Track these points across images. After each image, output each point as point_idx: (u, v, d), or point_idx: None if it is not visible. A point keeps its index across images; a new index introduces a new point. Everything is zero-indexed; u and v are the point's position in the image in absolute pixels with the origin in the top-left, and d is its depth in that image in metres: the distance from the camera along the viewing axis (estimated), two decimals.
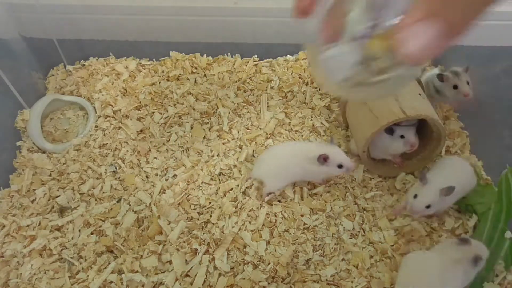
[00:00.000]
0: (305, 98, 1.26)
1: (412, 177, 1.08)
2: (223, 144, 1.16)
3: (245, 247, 0.96)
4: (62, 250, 0.97)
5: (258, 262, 0.93)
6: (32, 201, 1.06)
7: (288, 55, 1.37)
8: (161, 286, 0.91)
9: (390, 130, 1.00)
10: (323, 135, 1.18)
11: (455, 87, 1.08)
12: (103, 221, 1.02)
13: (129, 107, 1.24)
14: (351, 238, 0.98)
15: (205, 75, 1.34)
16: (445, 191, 0.88)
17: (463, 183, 0.96)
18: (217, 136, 1.18)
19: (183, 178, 1.09)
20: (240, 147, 1.15)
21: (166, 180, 1.09)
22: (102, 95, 1.28)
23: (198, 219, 1.01)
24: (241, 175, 1.09)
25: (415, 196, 0.92)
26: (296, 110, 1.23)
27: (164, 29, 1.30)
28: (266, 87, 1.29)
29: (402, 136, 1.00)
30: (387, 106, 0.96)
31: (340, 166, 0.98)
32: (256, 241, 0.96)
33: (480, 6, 0.36)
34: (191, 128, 1.21)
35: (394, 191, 1.06)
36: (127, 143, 1.17)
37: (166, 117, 1.23)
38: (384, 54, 0.43)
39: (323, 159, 0.96)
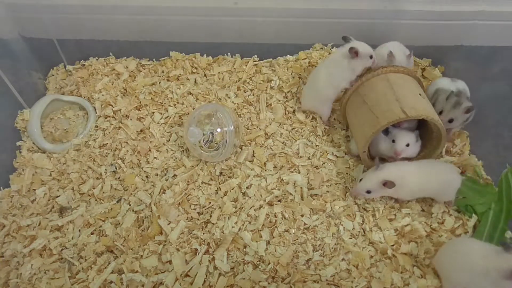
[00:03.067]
0: None
1: None
2: None
3: (245, 247, 0.96)
4: (62, 250, 0.97)
5: (258, 262, 0.93)
6: (32, 201, 1.06)
7: (288, 55, 1.37)
8: (161, 286, 0.91)
9: (385, 131, 1.00)
10: (323, 136, 1.18)
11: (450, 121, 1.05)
12: (103, 221, 1.02)
13: (129, 107, 1.24)
14: (351, 238, 0.98)
15: (205, 75, 1.34)
16: (387, 184, 0.93)
17: (418, 183, 0.96)
18: None
19: (183, 178, 1.09)
20: (240, 147, 1.15)
21: (166, 180, 1.09)
22: (102, 95, 1.28)
23: (198, 219, 1.01)
24: (241, 175, 1.09)
25: (360, 180, 0.99)
26: (296, 110, 1.23)
27: (164, 29, 1.30)
28: (266, 87, 1.29)
29: (394, 140, 1.00)
30: (388, 106, 0.97)
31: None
32: (256, 241, 0.96)
33: None
34: None
35: None
36: (127, 143, 1.17)
37: (166, 117, 1.23)
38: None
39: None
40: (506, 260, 0.77)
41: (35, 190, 1.08)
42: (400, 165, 0.99)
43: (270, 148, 1.15)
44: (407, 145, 0.99)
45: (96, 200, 1.07)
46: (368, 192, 0.97)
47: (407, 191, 0.98)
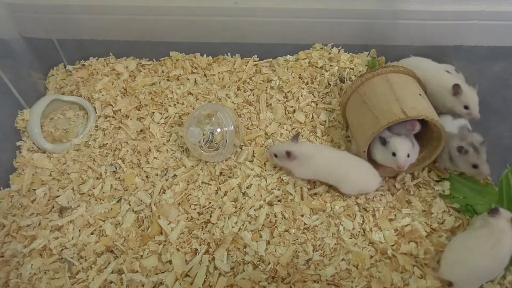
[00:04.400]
0: (305, 98, 1.26)
1: (412, 177, 1.08)
2: None
3: (245, 247, 0.96)
4: (62, 250, 0.97)
5: (258, 262, 0.93)
6: (32, 201, 1.06)
7: (288, 55, 1.37)
8: (161, 286, 0.91)
9: (382, 140, 0.98)
10: (323, 136, 1.18)
11: (475, 166, 0.97)
12: (103, 221, 1.02)
13: (129, 107, 1.24)
14: (351, 238, 0.98)
15: (205, 75, 1.34)
16: (289, 154, 1.01)
17: (320, 168, 1.02)
18: None
19: (183, 178, 1.09)
20: (240, 147, 1.15)
21: (166, 180, 1.09)
22: (102, 95, 1.28)
23: (198, 219, 1.01)
24: (241, 175, 1.09)
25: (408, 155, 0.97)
26: (296, 110, 1.23)
27: (164, 29, 1.30)
28: (266, 87, 1.29)
29: (394, 153, 0.97)
30: (388, 106, 0.96)
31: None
32: (256, 241, 0.96)
33: None
34: None
35: (394, 191, 1.06)
36: (127, 143, 1.17)
37: (166, 117, 1.23)
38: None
39: None
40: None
41: (35, 190, 1.08)
42: (314, 147, 1.08)
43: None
44: (408, 155, 0.97)
45: (96, 200, 1.07)
46: (275, 156, 1.04)
47: (305, 171, 1.04)
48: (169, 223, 1.00)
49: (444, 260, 0.90)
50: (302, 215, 1.01)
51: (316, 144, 1.15)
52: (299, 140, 1.08)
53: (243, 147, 1.15)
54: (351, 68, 1.32)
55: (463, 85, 1.02)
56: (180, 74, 1.33)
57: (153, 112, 1.24)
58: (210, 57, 1.38)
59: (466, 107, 1.02)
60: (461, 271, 0.87)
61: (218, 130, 1.06)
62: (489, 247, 0.85)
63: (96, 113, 1.25)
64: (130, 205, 1.05)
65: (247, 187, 1.06)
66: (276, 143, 1.15)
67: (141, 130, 1.20)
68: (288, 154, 1.01)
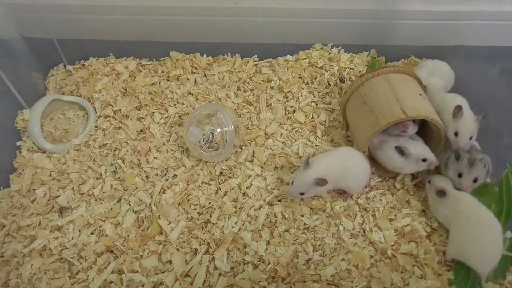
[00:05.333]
0: (305, 98, 1.26)
1: (412, 177, 1.08)
2: None
3: (245, 247, 0.96)
4: (62, 250, 0.97)
5: (258, 262, 0.93)
6: (32, 201, 1.06)
7: (288, 55, 1.37)
8: (161, 286, 0.91)
9: (400, 151, 0.97)
10: (323, 136, 1.18)
11: (460, 175, 0.95)
12: (103, 221, 1.02)
13: (129, 107, 1.24)
14: (351, 238, 0.98)
15: (205, 75, 1.34)
16: (320, 182, 0.92)
17: (338, 176, 0.96)
18: None
19: (183, 178, 1.09)
20: (240, 147, 1.15)
21: (166, 180, 1.09)
22: (102, 95, 1.28)
23: (198, 219, 1.01)
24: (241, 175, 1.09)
25: (292, 182, 0.96)
26: (296, 110, 1.23)
27: (164, 29, 1.31)
28: (266, 87, 1.29)
29: (424, 159, 0.97)
30: (388, 106, 0.96)
31: None
32: (256, 241, 0.96)
33: None
34: None
35: (394, 191, 1.06)
36: (127, 143, 1.17)
37: (166, 117, 1.23)
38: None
39: None
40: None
41: (35, 190, 1.08)
42: (324, 159, 0.98)
43: (270, 148, 1.15)
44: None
45: (96, 200, 1.07)
46: (302, 194, 0.95)
47: (331, 185, 0.97)
48: (169, 223, 1.00)
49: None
50: (302, 215, 1.01)
51: (321, 155, 1.04)
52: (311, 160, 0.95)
53: (243, 147, 1.15)
54: (351, 68, 1.32)
55: (467, 112, 0.98)
56: (180, 74, 1.33)
57: (153, 112, 1.24)
58: (210, 57, 1.38)
59: (456, 134, 0.97)
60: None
61: (218, 130, 1.06)
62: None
63: (96, 113, 1.25)
64: (130, 205, 1.05)
65: (247, 187, 1.06)
66: (276, 143, 1.14)
67: (141, 130, 1.20)
68: (318, 182, 0.92)
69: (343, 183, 0.99)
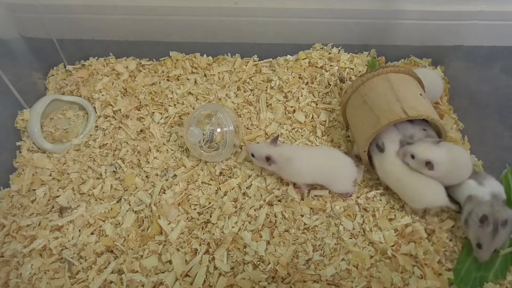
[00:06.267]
0: (305, 98, 1.26)
1: None
2: None
3: (245, 247, 0.96)
4: (62, 250, 0.97)
5: (258, 262, 0.93)
6: (32, 201, 1.06)
7: (288, 55, 1.37)
8: (161, 286, 0.91)
9: (380, 149, 0.99)
10: (323, 136, 1.18)
11: (479, 246, 0.88)
12: (103, 221, 1.02)
13: (129, 107, 1.24)
14: (351, 238, 0.98)
15: (205, 75, 1.34)
16: (269, 159, 0.99)
17: (307, 168, 1.00)
18: None
19: (183, 178, 1.09)
20: (240, 147, 1.15)
21: (166, 180, 1.09)
22: (102, 95, 1.28)
23: (198, 219, 1.01)
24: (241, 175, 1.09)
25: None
26: (296, 110, 1.23)
27: (164, 29, 1.31)
28: (266, 87, 1.29)
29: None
30: (388, 106, 0.97)
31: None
32: (256, 241, 0.96)
33: None
34: None
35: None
36: (127, 143, 1.17)
37: (166, 117, 1.23)
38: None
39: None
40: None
41: (35, 190, 1.08)
42: (293, 148, 1.04)
43: None
44: None
45: (96, 200, 1.07)
46: (252, 155, 1.03)
47: (292, 174, 1.01)
48: (169, 223, 1.00)
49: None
50: (302, 215, 1.01)
51: (296, 146, 1.11)
52: (279, 143, 1.03)
53: (243, 147, 1.15)
54: (351, 68, 1.32)
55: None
56: (180, 74, 1.33)
57: (153, 112, 1.24)
58: (210, 57, 1.38)
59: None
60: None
61: (218, 130, 1.06)
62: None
63: (96, 113, 1.25)
64: (130, 205, 1.05)
65: (247, 187, 1.06)
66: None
67: (141, 130, 1.20)
68: (268, 159, 1.00)
69: (321, 181, 1.02)
